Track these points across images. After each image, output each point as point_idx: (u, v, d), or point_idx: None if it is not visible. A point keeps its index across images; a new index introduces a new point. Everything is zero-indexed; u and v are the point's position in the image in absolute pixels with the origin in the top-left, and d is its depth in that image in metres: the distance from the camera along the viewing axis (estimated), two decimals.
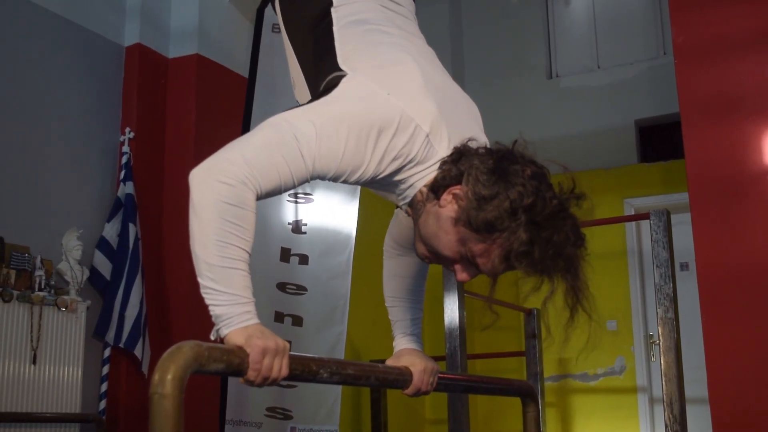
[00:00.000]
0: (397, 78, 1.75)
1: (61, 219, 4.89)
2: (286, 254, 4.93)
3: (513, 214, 1.56)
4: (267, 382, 1.52)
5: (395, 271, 2.15)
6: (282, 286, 4.88)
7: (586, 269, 1.67)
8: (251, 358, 1.47)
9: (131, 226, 5.08)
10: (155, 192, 5.48)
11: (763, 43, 4.16)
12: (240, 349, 1.48)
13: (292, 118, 1.64)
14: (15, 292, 4.42)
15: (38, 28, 4.96)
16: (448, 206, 1.66)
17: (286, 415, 4.79)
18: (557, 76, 8.46)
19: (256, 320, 1.54)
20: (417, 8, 2.16)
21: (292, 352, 1.55)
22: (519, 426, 2.40)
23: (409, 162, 1.71)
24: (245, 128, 4.82)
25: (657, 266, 4.05)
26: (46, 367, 4.54)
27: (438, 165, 1.71)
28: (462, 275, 1.72)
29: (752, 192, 4.07)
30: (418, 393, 1.99)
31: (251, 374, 1.48)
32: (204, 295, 1.54)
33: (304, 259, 4.97)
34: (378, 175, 1.70)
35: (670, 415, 3.89)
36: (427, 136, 1.70)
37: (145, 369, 5.01)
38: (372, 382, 1.84)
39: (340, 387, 5.00)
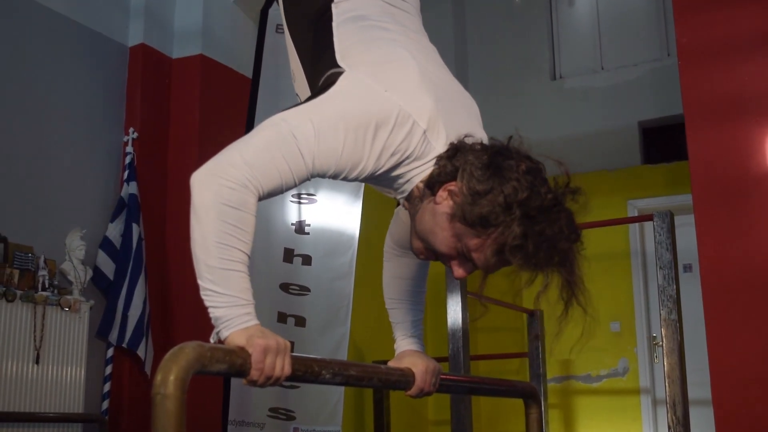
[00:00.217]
0: (395, 75, 1.75)
1: (65, 219, 4.90)
2: (289, 255, 4.93)
3: (507, 209, 1.57)
4: (270, 381, 1.52)
5: (395, 272, 2.15)
6: (285, 287, 4.87)
7: (583, 264, 1.66)
8: (254, 358, 1.47)
9: (134, 226, 5.08)
10: (158, 192, 5.49)
11: None
12: (242, 349, 1.48)
13: (290, 117, 1.65)
14: (18, 292, 4.42)
15: (42, 28, 4.97)
16: (444, 202, 1.67)
17: (288, 416, 4.79)
18: (561, 77, 8.45)
19: (255, 321, 1.54)
20: (421, 10, 2.16)
21: (294, 353, 1.55)
22: (522, 427, 2.40)
23: (407, 158, 1.71)
24: (249, 129, 4.82)
25: (660, 268, 4.05)
26: (49, 367, 4.55)
27: (434, 161, 1.72)
28: (458, 271, 1.72)
29: (756, 193, 4.06)
30: (421, 394, 1.99)
31: (254, 374, 1.48)
32: (204, 297, 1.55)
33: (307, 260, 4.96)
34: (377, 171, 1.71)
35: (674, 417, 3.89)
36: (424, 132, 1.71)
37: (147, 369, 5.01)
38: (375, 384, 1.84)
39: (342, 388, 5.00)
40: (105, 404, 4.92)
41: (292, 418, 4.80)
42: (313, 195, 5.04)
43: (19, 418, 4.38)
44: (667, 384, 3.93)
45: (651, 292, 7.45)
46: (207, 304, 1.54)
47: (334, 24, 1.92)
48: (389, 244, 2.15)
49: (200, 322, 5.26)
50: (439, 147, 1.72)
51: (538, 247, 1.57)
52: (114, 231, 5.10)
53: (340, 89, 1.72)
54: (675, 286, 3.99)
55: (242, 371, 1.47)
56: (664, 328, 3.98)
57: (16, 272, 4.47)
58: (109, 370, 4.98)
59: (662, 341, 4.00)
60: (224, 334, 1.52)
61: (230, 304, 1.53)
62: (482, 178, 1.60)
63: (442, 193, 1.68)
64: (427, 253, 1.76)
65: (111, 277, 5.03)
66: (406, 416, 7.12)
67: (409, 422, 7.29)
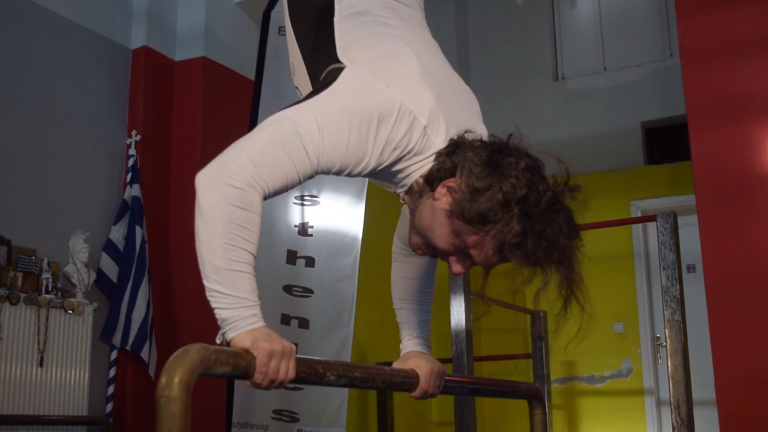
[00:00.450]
0: (396, 70, 1.76)
1: (68, 222, 4.90)
2: (292, 257, 4.93)
3: (506, 206, 1.57)
4: (274, 384, 1.52)
5: (403, 272, 2.15)
6: (288, 289, 4.88)
7: (581, 262, 1.66)
8: (258, 361, 1.47)
9: (138, 228, 5.09)
10: (162, 194, 5.49)
11: None
12: (246, 352, 1.48)
13: (293, 114, 1.65)
14: (22, 295, 4.43)
15: (45, 32, 4.98)
16: (443, 199, 1.67)
17: (292, 418, 4.79)
18: (563, 78, 8.45)
19: (262, 323, 1.54)
20: (424, 10, 2.16)
21: (298, 355, 1.55)
22: (525, 429, 2.40)
23: (408, 152, 1.72)
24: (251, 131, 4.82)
25: (664, 268, 4.04)
26: (53, 370, 4.55)
27: (434, 157, 1.72)
28: (457, 267, 1.72)
29: (759, 194, 4.06)
30: (425, 395, 1.99)
31: (258, 377, 1.48)
32: (210, 298, 1.54)
33: (310, 262, 4.96)
34: (379, 166, 1.71)
35: (678, 418, 3.88)
36: (425, 128, 1.71)
37: (151, 371, 5.01)
38: (379, 385, 1.84)
39: (346, 389, 4.99)
40: (109, 407, 4.92)
41: (296, 420, 4.80)
42: (316, 197, 5.04)
43: (24, 421, 4.39)
44: (671, 385, 3.93)
45: (654, 292, 7.45)
46: (213, 305, 1.54)
47: (335, 19, 1.92)
48: (397, 244, 2.15)
49: (204, 324, 5.29)
50: (440, 142, 1.73)
51: (537, 244, 1.57)
52: (117, 234, 5.11)
53: (341, 85, 1.72)
54: (678, 287, 3.99)
55: (246, 373, 1.47)
56: (667, 328, 3.97)
57: (20, 275, 4.48)
58: (112, 372, 4.99)
59: (666, 342, 3.99)
60: (230, 336, 1.52)
61: (237, 306, 1.53)
62: (481, 175, 1.60)
63: (441, 190, 1.68)
64: (425, 248, 1.76)
65: (114, 279, 5.03)
66: (409, 418, 7.12)
67: (413, 424, 7.29)
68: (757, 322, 3.97)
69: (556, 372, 7.38)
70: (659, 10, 8.09)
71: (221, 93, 5.74)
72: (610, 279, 7.57)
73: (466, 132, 1.72)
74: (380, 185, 1.90)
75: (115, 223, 5.13)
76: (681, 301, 3.98)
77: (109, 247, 5.08)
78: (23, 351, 4.42)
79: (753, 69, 4.15)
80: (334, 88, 1.72)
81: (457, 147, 1.69)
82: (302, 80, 2.01)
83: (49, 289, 4.60)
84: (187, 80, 5.69)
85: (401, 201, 1.87)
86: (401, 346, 2.12)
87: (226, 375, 1.42)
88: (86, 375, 4.73)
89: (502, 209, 1.57)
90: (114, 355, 5.00)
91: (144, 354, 4.96)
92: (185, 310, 5.38)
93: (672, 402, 3.92)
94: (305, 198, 5.02)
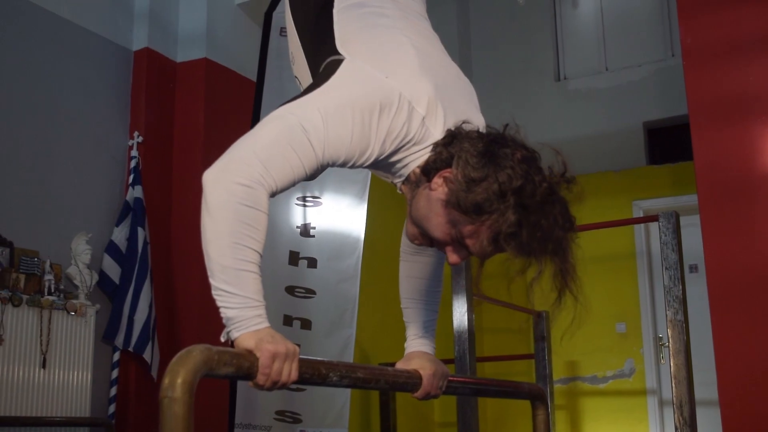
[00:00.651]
0: (394, 61, 1.77)
1: (70, 223, 4.90)
2: (294, 258, 4.93)
3: (502, 197, 1.57)
4: (276, 386, 1.52)
5: (410, 272, 2.15)
6: (291, 290, 4.88)
7: (577, 253, 1.66)
8: (261, 363, 1.47)
9: (140, 230, 5.09)
10: (164, 196, 5.50)
11: None
12: (250, 352, 1.48)
13: (297, 109, 1.66)
14: (24, 297, 4.43)
15: (47, 33, 4.98)
16: (439, 189, 1.68)
17: (295, 419, 4.79)
18: (565, 78, 8.45)
19: (266, 324, 1.54)
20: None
21: (301, 356, 1.55)
22: (528, 429, 2.40)
23: (408, 142, 1.73)
24: None
25: (666, 268, 4.04)
26: (56, 371, 4.55)
27: (431, 147, 1.73)
28: (453, 257, 1.72)
29: (762, 193, 4.05)
30: (428, 396, 1.99)
31: (261, 378, 1.49)
32: (216, 297, 1.55)
33: (312, 263, 4.97)
34: (381, 155, 1.72)
35: (680, 418, 3.88)
36: (423, 118, 1.72)
37: (154, 373, 5.02)
38: (381, 386, 1.84)
39: (349, 390, 4.99)
40: (111, 408, 4.92)
41: (299, 421, 4.80)
42: (318, 198, 5.05)
43: (26, 422, 4.39)
44: (673, 385, 3.92)
45: (657, 292, 7.44)
46: (219, 304, 1.54)
47: (335, 10, 1.93)
48: (404, 243, 2.15)
49: (206, 326, 5.29)
50: (437, 133, 1.74)
51: (532, 235, 1.58)
52: (119, 235, 5.11)
53: (341, 77, 1.73)
54: (681, 287, 3.98)
55: (249, 374, 1.47)
56: (670, 328, 3.97)
57: (22, 277, 4.48)
58: (115, 374, 4.99)
59: (668, 342, 3.99)
60: (234, 335, 1.53)
61: (242, 306, 1.53)
62: (477, 166, 1.61)
63: (437, 180, 1.69)
64: (422, 238, 1.77)
65: (117, 281, 5.03)
66: (412, 418, 7.12)
67: (416, 424, 7.29)
68: (759, 321, 3.97)
69: (558, 372, 7.38)
70: (661, 10, 8.09)
71: (223, 94, 5.74)
72: (612, 279, 7.57)
73: (463, 123, 1.74)
74: (378, 175, 1.92)
75: (117, 225, 5.13)
76: (683, 301, 3.98)
77: (112, 248, 5.08)
78: (26, 353, 4.42)
79: (755, 68, 4.15)
80: (334, 80, 1.72)
81: (453, 137, 1.70)
82: (302, 70, 2.01)
83: (52, 290, 4.60)
84: (189, 81, 5.69)
85: (398, 191, 1.87)
86: (405, 345, 2.12)
87: (229, 376, 1.42)
88: (89, 376, 4.74)
89: (498, 199, 1.57)
90: (116, 356, 5.00)
91: (146, 355, 4.97)
92: (187, 312, 5.38)
93: (674, 402, 3.91)
94: (307, 199, 5.03)
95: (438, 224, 1.68)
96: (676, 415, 3.90)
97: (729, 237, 4.09)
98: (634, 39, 8.16)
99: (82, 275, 4.80)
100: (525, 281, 1.69)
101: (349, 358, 4.93)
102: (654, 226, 6.59)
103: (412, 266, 2.14)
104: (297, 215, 5.00)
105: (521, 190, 1.57)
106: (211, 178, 1.57)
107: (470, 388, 2.48)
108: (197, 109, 5.62)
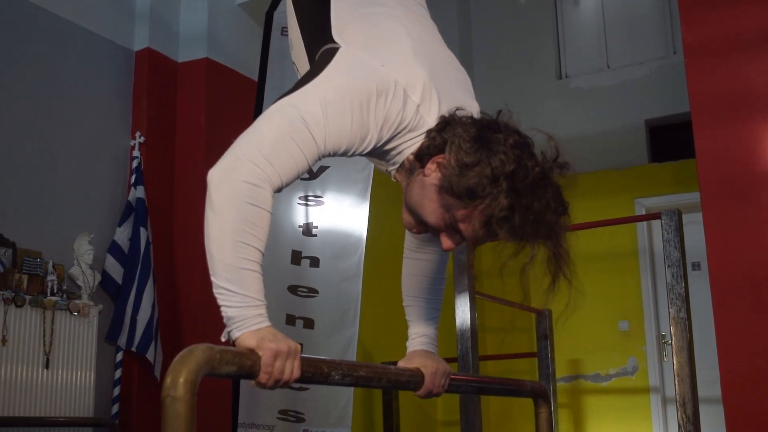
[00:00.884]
0: (389, 50, 1.78)
1: (73, 224, 4.91)
2: (297, 257, 4.93)
3: (494, 181, 1.58)
4: (279, 384, 1.52)
5: (412, 269, 2.15)
6: (293, 289, 4.88)
7: (569, 237, 1.67)
8: (263, 361, 1.48)
9: (142, 230, 5.09)
10: (166, 196, 5.50)
11: None
12: (252, 351, 1.48)
13: (296, 101, 1.66)
14: (27, 297, 4.44)
15: (48, 34, 4.99)
16: (432, 174, 1.69)
17: (298, 418, 4.79)
18: (567, 76, 8.44)
19: (267, 323, 1.55)
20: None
21: (303, 355, 1.55)
22: (531, 427, 2.40)
23: (403, 129, 1.74)
24: None
25: (669, 266, 4.04)
26: (59, 372, 4.56)
27: (425, 134, 1.75)
28: (447, 243, 1.73)
29: (764, 190, 4.05)
30: (430, 395, 1.99)
31: (263, 377, 1.49)
32: (217, 295, 1.55)
33: (315, 262, 4.97)
34: (379, 142, 1.74)
35: (683, 416, 3.88)
36: (418, 106, 1.74)
37: (157, 372, 5.02)
38: (384, 384, 1.84)
39: (352, 389, 4.99)
40: (115, 408, 4.93)
41: (302, 420, 4.80)
42: (320, 197, 5.05)
43: (30, 423, 4.39)
44: (676, 382, 3.92)
45: (659, 290, 7.44)
46: (220, 302, 1.55)
47: None
48: (408, 240, 2.16)
49: (208, 325, 5.29)
50: (431, 120, 1.75)
51: (524, 219, 1.58)
52: (122, 235, 5.12)
53: (337, 66, 1.74)
54: (684, 285, 3.98)
55: (251, 373, 1.47)
56: (673, 326, 3.97)
57: (25, 277, 4.48)
58: (118, 374, 4.99)
59: (671, 339, 3.99)
60: (236, 335, 1.53)
61: (244, 305, 1.53)
62: (470, 151, 1.62)
63: (430, 165, 1.70)
64: (417, 226, 1.78)
65: (119, 281, 5.04)
66: (415, 417, 7.12)
67: (419, 423, 7.29)
68: (762, 319, 3.97)
69: (561, 370, 7.37)
70: (662, 8, 8.08)
71: (224, 94, 5.74)
72: (614, 277, 7.56)
73: (457, 109, 1.74)
74: (373, 162, 1.93)
75: (119, 225, 5.13)
76: (686, 299, 3.98)
77: (114, 248, 5.09)
78: (29, 353, 4.43)
79: (757, 66, 4.14)
80: (329, 69, 1.73)
81: (447, 124, 1.71)
82: (300, 57, 2.02)
83: (55, 291, 4.61)
84: (191, 81, 5.70)
85: (393, 179, 1.88)
86: (407, 344, 2.12)
87: (231, 375, 1.42)
88: (92, 376, 4.74)
89: (491, 184, 1.58)
90: (119, 356, 5.00)
91: (149, 355, 4.97)
92: (190, 311, 5.39)
93: (678, 400, 3.91)
94: (309, 198, 5.03)
95: (432, 210, 1.69)
96: (679, 413, 3.90)
97: (731, 234, 4.09)
98: (636, 37, 8.16)
99: (84, 275, 4.80)
100: (526, 279, 1.69)
101: (351, 357, 4.93)
102: (656, 224, 6.60)
103: (414, 264, 2.15)
104: (299, 214, 5.00)
105: (514, 174, 1.58)
106: (217, 176, 1.58)
107: (473, 386, 2.48)
108: (199, 108, 5.63)
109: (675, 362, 3.95)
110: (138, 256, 5.06)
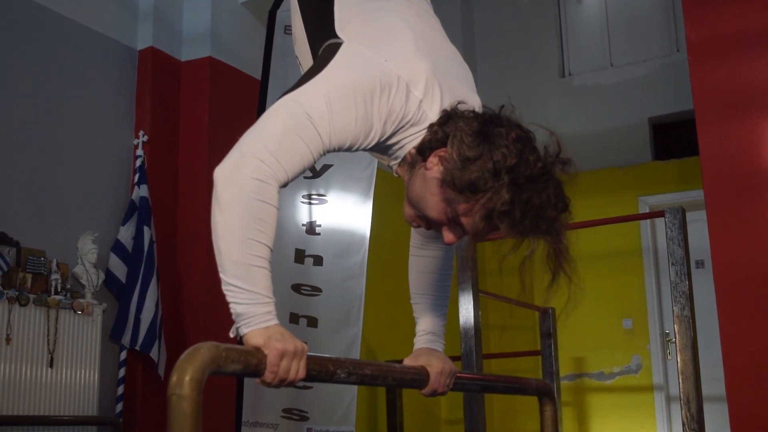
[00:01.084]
0: (391, 44, 1.79)
1: (76, 223, 4.91)
2: (300, 255, 4.93)
3: (496, 175, 1.58)
4: (284, 383, 1.52)
5: (419, 267, 2.16)
6: (297, 288, 4.88)
7: (570, 233, 1.67)
8: (269, 361, 1.48)
9: (146, 229, 5.09)
10: (169, 195, 5.50)
11: None
12: (258, 350, 1.48)
13: (301, 97, 1.66)
14: (31, 296, 4.44)
15: (51, 33, 4.99)
16: (434, 168, 1.69)
17: (302, 416, 4.79)
18: (570, 74, 8.44)
19: (275, 321, 1.55)
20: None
21: (308, 353, 1.56)
22: (534, 425, 2.40)
23: (406, 123, 1.75)
24: None
25: (672, 264, 4.04)
26: (63, 370, 4.56)
27: (427, 128, 1.75)
28: (448, 236, 1.73)
29: None
30: (434, 394, 1.99)
31: (268, 376, 1.49)
32: (226, 292, 1.55)
33: (318, 261, 4.97)
34: (383, 137, 1.74)
35: (688, 414, 3.88)
36: (420, 101, 1.74)
37: (161, 371, 5.02)
38: (389, 382, 1.84)
39: (356, 388, 4.99)
40: (119, 407, 4.93)
41: (306, 419, 4.80)
42: (323, 195, 5.04)
43: (34, 422, 4.40)
44: (680, 380, 3.92)
45: (663, 288, 7.44)
46: (229, 299, 1.55)
47: None
48: (414, 237, 2.16)
49: (212, 324, 5.28)
50: (434, 115, 1.75)
51: (525, 214, 1.59)
52: (125, 234, 5.12)
53: (340, 61, 1.74)
54: (687, 283, 3.98)
55: (257, 372, 1.47)
56: (676, 324, 3.97)
57: (29, 276, 4.49)
58: (122, 372, 4.99)
59: (675, 338, 3.99)
60: (244, 331, 1.53)
61: (253, 302, 1.53)
62: (472, 145, 1.62)
63: (432, 159, 1.70)
64: (419, 220, 1.78)
65: (123, 280, 5.04)
66: (419, 415, 7.12)
67: (422, 421, 7.29)
68: (766, 316, 3.96)
69: (565, 369, 7.38)
70: (665, 5, 8.07)
71: (228, 93, 5.74)
72: (618, 275, 7.56)
73: (459, 103, 1.75)
74: (375, 157, 1.93)
75: (123, 224, 5.13)
76: (690, 297, 3.98)
77: (118, 247, 5.09)
78: (33, 352, 4.43)
79: (761, 63, 4.14)
80: (333, 65, 1.73)
81: (449, 118, 1.72)
82: (303, 51, 2.02)
83: (58, 290, 4.61)
84: (194, 80, 5.70)
85: (395, 174, 1.88)
86: (414, 341, 2.12)
87: (237, 373, 1.42)
88: (96, 375, 4.74)
89: (492, 178, 1.59)
90: (123, 355, 5.00)
91: (153, 354, 4.97)
92: (194, 310, 5.39)
93: (682, 398, 3.91)
94: (313, 197, 5.03)
95: (433, 203, 1.70)
96: (683, 411, 3.90)
97: (735, 232, 4.08)
98: (639, 34, 8.15)
99: (88, 274, 4.81)
100: (525, 272, 1.69)
101: (355, 355, 4.93)
102: (660, 222, 6.59)
103: (421, 261, 2.15)
104: (303, 213, 5.00)
105: (515, 168, 1.58)
106: (223, 174, 1.58)
107: (478, 384, 2.48)
108: (202, 107, 5.63)
109: (679, 360, 3.95)
110: (142, 254, 5.06)
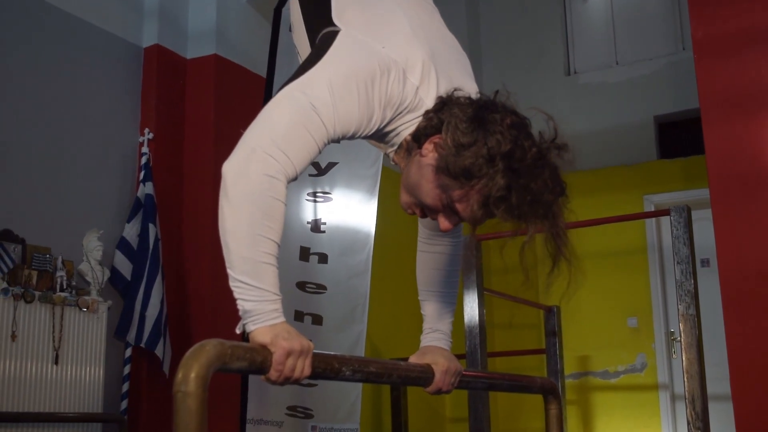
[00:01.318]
0: (388, 32, 1.79)
1: (82, 220, 4.92)
2: (305, 253, 4.93)
3: (490, 161, 1.58)
4: (289, 382, 1.53)
5: (426, 263, 2.15)
6: (302, 285, 4.88)
7: (567, 216, 1.67)
8: (275, 359, 1.48)
9: (151, 226, 5.10)
10: (175, 192, 5.50)
11: None
12: (263, 347, 1.48)
13: (305, 87, 1.66)
14: (37, 293, 4.45)
15: (57, 31, 4.99)
16: (429, 155, 1.69)
17: (307, 414, 4.80)
18: (575, 72, 8.43)
19: (282, 318, 1.55)
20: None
21: (314, 351, 1.56)
22: (538, 424, 2.40)
23: (403, 109, 1.75)
24: None
25: (678, 263, 4.03)
26: (68, 367, 4.57)
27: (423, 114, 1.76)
28: (444, 224, 1.74)
29: None
30: (439, 392, 1.99)
31: (273, 374, 1.49)
32: (234, 288, 1.55)
33: (323, 258, 4.97)
34: (383, 122, 1.74)
35: (692, 413, 3.87)
36: (417, 88, 1.75)
37: (165, 368, 5.03)
38: (394, 380, 1.84)
39: (360, 385, 5.00)
40: (124, 404, 4.94)
41: (311, 417, 4.80)
42: (328, 193, 5.05)
43: (39, 418, 4.40)
44: (685, 379, 3.92)
45: (668, 287, 7.43)
46: (237, 295, 1.55)
47: None
48: (421, 232, 2.16)
49: (217, 321, 5.27)
50: (430, 102, 1.76)
51: (521, 198, 1.58)
52: (131, 231, 5.12)
53: (340, 49, 1.74)
54: (693, 281, 3.97)
55: (262, 369, 1.47)
56: (682, 323, 3.96)
57: (35, 273, 4.49)
58: (127, 369, 5.00)
59: (680, 336, 3.98)
60: (250, 328, 1.53)
61: (261, 299, 1.53)
62: (467, 131, 1.62)
63: (427, 146, 1.71)
64: (415, 207, 1.78)
65: (128, 277, 5.04)
66: (423, 413, 7.12)
67: (427, 419, 7.29)
68: None
69: (569, 367, 7.36)
70: (671, 3, 8.06)
71: (233, 90, 5.74)
72: (623, 274, 7.55)
73: (455, 90, 1.75)
74: (372, 144, 1.94)
75: (128, 221, 5.14)
76: (695, 296, 3.97)
77: (123, 244, 5.09)
78: (38, 349, 4.44)
79: (766, 61, 4.13)
80: (332, 53, 1.73)
81: (444, 104, 1.72)
82: (301, 39, 2.02)
83: (64, 287, 4.61)
84: (199, 78, 5.70)
85: (391, 161, 1.88)
86: (421, 338, 2.12)
87: (242, 370, 1.42)
88: (101, 372, 4.75)
89: (487, 164, 1.58)
90: (128, 352, 5.01)
91: (158, 351, 4.97)
92: (199, 307, 5.39)
93: (687, 397, 3.91)
94: (318, 194, 5.03)
95: (429, 190, 1.70)
96: (688, 410, 3.89)
97: (741, 231, 4.08)
98: (645, 33, 8.14)
99: (93, 272, 4.81)
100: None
101: (360, 353, 4.93)
102: (665, 221, 6.58)
103: (429, 257, 2.14)
104: (308, 211, 5.00)
105: (510, 154, 1.58)
106: (233, 169, 1.58)
107: (483, 382, 2.48)
108: (207, 105, 5.63)
109: (684, 359, 3.94)
110: (147, 252, 5.06)
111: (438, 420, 7.67)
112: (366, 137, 1.79)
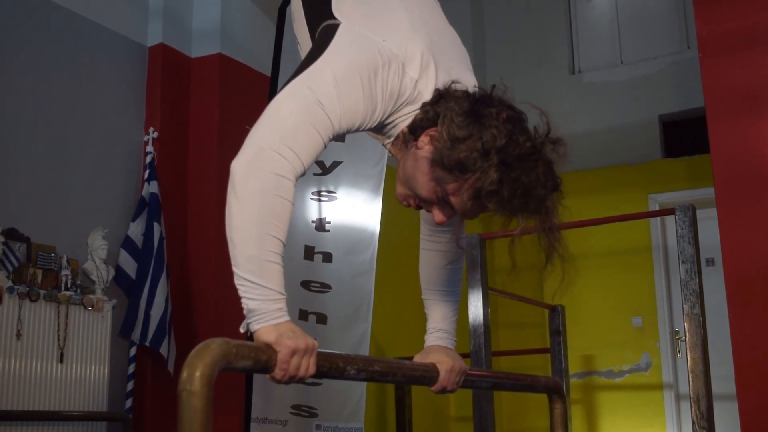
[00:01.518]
0: (387, 25, 1.80)
1: (87, 219, 4.92)
2: (310, 252, 4.93)
3: (485, 155, 1.59)
4: (293, 380, 1.53)
5: (428, 261, 2.15)
6: (306, 284, 4.88)
7: (562, 213, 1.67)
8: (280, 358, 1.48)
9: (156, 225, 5.10)
10: (179, 191, 5.51)
11: None
12: (268, 346, 1.48)
13: (310, 82, 1.67)
14: (41, 292, 4.45)
15: (62, 29, 5.00)
16: (425, 147, 1.70)
17: (311, 413, 4.80)
18: (580, 71, 8.42)
19: (287, 318, 1.55)
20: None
21: (318, 350, 1.56)
22: (543, 423, 2.40)
23: (402, 102, 1.76)
24: None
25: (682, 262, 4.02)
26: (73, 366, 4.58)
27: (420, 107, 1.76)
28: (439, 216, 1.75)
29: None
30: (443, 391, 1.99)
31: (278, 373, 1.49)
32: (239, 287, 1.55)
33: (328, 257, 4.97)
34: (384, 114, 1.75)
35: (697, 412, 3.86)
36: (416, 81, 1.75)
37: (170, 367, 5.03)
38: (399, 379, 1.84)
39: (365, 385, 5.00)
40: (128, 402, 4.94)
41: (315, 415, 4.81)
42: (333, 192, 5.05)
43: (44, 417, 4.41)
44: (690, 379, 3.91)
45: (673, 286, 7.42)
46: (241, 294, 1.55)
47: None
48: (424, 230, 2.16)
49: (222, 320, 5.28)
50: (428, 94, 1.76)
51: (513, 193, 1.59)
52: (135, 230, 5.13)
53: (341, 42, 1.75)
54: (698, 280, 3.96)
55: (267, 368, 1.47)
56: (686, 322, 3.95)
57: (40, 272, 4.50)
58: (132, 368, 5.00)
59: (685, 336, 3.97)
60: (255, 327, 1.53)
61: (266, 298, 1.53)
62: (462, 124, 1.63)
63: (423, 138, 1.71)
64: (410, 199, 1.79)
65: (133, 276, 5.05)
66: (427, 412, 7.12)
67: (432, 418, 7.29)
68: None
69: (574, 366, 7.36)
70: (676, 2, 8.05)
71: (238, 89, 5.74)
72: (628, 273, 7.54)
73: (452, 83, 1.75)
74: (370, 135, 1.94)
75: (133, 220, 5.14)
76: (700, 295, 3.96)
77: (128, 243, 5.10)
78: (43, 347, 4.45)
79: None
80: (334, 46, 1.74)
81: (441, 97, 1.73)
82: (301, 30, 2.02)
83: (69, 285, 4.62)
84: (204, 77, 5.70)
85: (389, 153, 1.89)
86: (425, 337, 2.12)
87: (247, 369, 1.42)
88: (106, 371, 4.76)
89: (481, 158, 1.59)
90: (133, 351, 5.02)
91: (163, 350, 4.98)
92: (203, 306, 5.39)
93: (691, 396, 3.90)
94: (322, 194, 5.03)
95: (423, 182, 1.71)
96: (693, 410, 3.89)
97: (746, 230, 4.07)
98: (650, 31, 8.12)
99: (98, 270, 4.82)
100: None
101: (364, 352, 4.93)
102: (670, 220, 6.56)
103: (431, 255, 2.14)
104: (312, 210, 5.00)
105: (505, 148, 1.59)
106: (242, 167, 1.58)
107: (488, 381, 2.48)
108: (212, 104, 5.63)
109: (689, 358, 3.93)
110: (151, 251, 5.07)
111: (442, 419, 7.67)
112: (363, 130, 1.80)
